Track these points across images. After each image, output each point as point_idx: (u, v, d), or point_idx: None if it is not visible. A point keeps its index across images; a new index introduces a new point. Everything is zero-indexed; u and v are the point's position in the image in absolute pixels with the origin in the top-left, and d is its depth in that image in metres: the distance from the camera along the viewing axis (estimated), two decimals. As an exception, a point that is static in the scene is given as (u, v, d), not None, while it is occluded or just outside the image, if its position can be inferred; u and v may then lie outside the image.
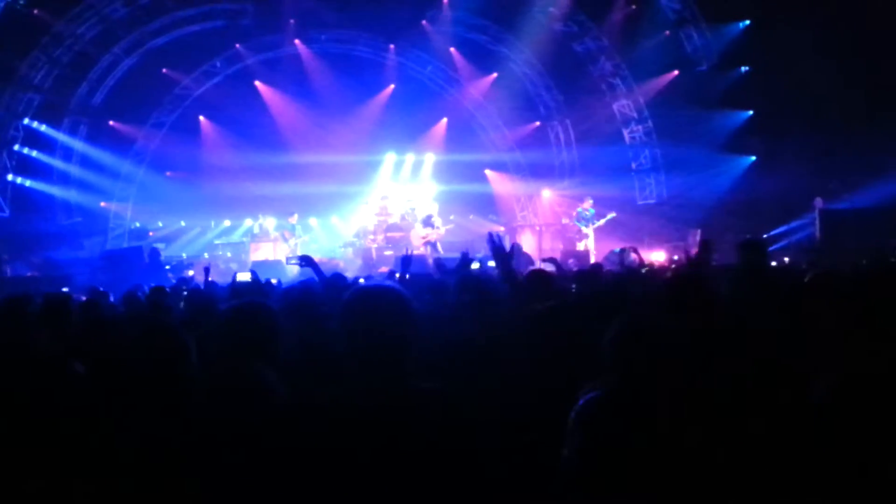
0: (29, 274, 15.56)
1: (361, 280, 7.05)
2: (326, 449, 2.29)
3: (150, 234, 19.95)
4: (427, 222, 18.74)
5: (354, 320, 2.46)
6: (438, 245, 18.39)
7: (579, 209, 18.19)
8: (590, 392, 2.61)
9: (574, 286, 6.24)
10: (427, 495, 2.25)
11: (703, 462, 2.34)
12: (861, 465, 2.24)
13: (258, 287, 6.74)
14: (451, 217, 19.76)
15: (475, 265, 8.03)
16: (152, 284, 7.42)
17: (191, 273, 15.37)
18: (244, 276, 8.60)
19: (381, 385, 2.37)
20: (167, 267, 16.60)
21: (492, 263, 11.61)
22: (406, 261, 6.63)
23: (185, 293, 7.52)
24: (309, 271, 5.70)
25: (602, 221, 17.77)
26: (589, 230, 17.77)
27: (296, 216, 19.23)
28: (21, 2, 16.60)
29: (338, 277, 6.37)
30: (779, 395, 2.66)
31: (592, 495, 2.41)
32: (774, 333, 3.22)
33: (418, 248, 18.12)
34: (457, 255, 16.14)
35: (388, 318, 2.42)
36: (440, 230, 18.66)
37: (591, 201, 18.10)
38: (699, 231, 17.63)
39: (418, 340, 2.48)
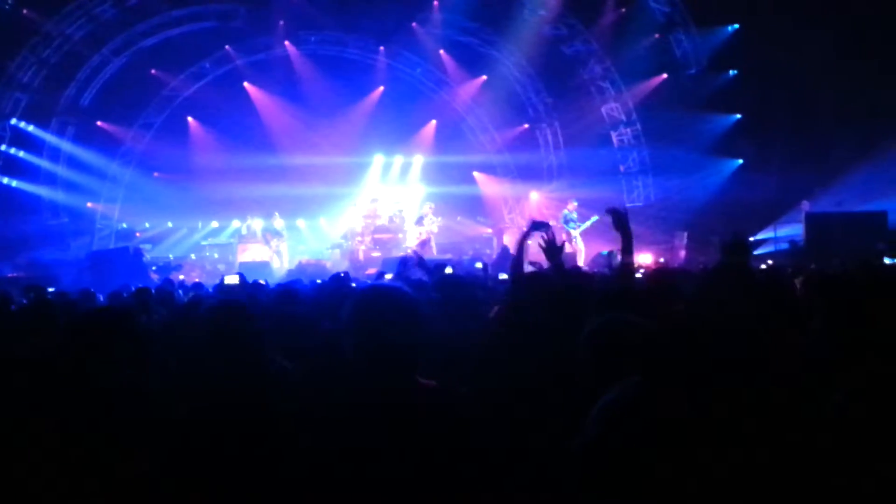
0: (12, 274, 15.43)
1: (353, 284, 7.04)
2: (338, 449, 2.29)
3: (137, 234, 19.86)
4: (419, 223, 18.79)
5: (364, 320, 2.44)
6: (432, 241, 18.41)
7: (564, 211, 18.13)
8: (611, 392, 2.60)
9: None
10: (436, 492, 2.26)
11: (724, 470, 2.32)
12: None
13: (246, 289, 6.73)
14: (439, 219, 19.82)
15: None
16: (138, 285, 7.40)
17: (181, 277, 15.33)
18: (232, 279, 8.58)
19: (390, 384, 2.37)
20: (153, 268, 16.55)
21: (478, 265, 11.61)
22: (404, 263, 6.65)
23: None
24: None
25: (586, 225, 17.67)
26: (575, 233, 17.71)
27: (276, 215, 19.15)
28: (9, 1, 16.52)
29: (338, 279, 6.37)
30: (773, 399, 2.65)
31: (600, 495, 2.40)
32: (758, 333, 3.22)
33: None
34: (449, 255, 16.24)
35: (398, 318, 2.41)
36: (433, 227, 18.67)
37: (574, 203, 17.84)
38: (686, 234, 17.70)
39: (427, 341, 2.48)
